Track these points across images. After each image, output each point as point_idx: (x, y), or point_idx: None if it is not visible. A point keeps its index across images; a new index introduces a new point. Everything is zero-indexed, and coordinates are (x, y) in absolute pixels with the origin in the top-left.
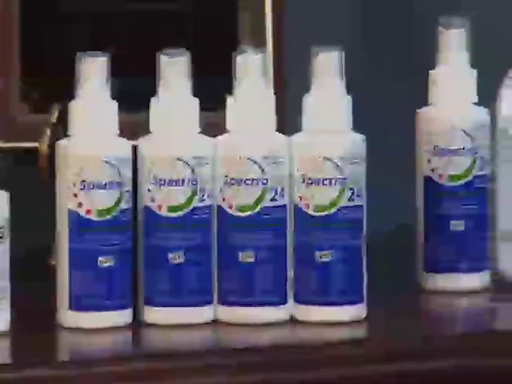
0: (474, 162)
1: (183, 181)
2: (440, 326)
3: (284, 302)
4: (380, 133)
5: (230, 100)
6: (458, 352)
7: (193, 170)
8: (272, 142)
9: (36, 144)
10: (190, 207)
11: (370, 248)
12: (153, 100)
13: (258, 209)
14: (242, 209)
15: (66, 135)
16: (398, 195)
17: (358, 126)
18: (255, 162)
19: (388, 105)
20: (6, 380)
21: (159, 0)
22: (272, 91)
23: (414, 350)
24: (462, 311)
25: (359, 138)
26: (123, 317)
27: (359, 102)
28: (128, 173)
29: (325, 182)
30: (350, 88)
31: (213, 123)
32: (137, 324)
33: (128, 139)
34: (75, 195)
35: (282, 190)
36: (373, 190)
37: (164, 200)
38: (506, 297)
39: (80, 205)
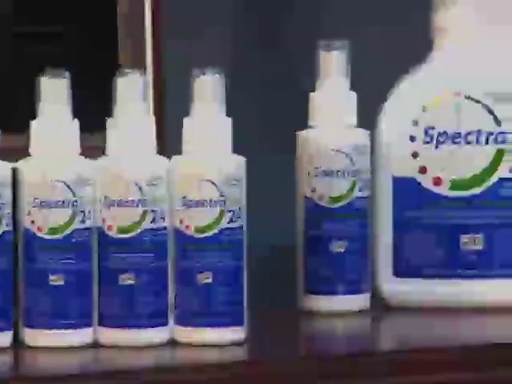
0: (354, 183)
1: (63, 203)
2: (318, 347)
3: (165, 323)
4: (260, 154)
5: (110, 122)
6: (336, 373)
7: (73, 193)
8: (152, 164)
9: None
10: (70, 229)
11: (251, 269)
12: (33, 122)
13: (138, 231)
14: (122, 231)
15: None
16: (279, 216)
17: (238, 148)
18: (136, 185)
19: (268, 126)
20: None
21: (42, 23)
22: (152, 114)
23: (292, 372)
24: (341, 333)
25: (239, 160)
26: (3, 339)
27: (239, 123)
28: (8, 195)
29: (205, 203)
30: None
31: (93, 146)
32: (17, 346)
33: (7, 161)
34: None
35: (163, 212)
36: (254, 211)
37: (44, 222)
38: (385, 318)
39: None
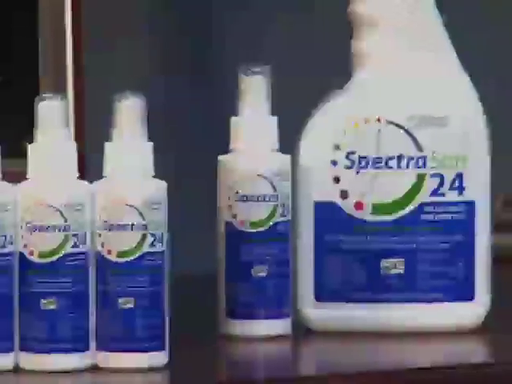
0: (275, 208)
1: None
2: (239, 372)
3: (85, 349)
4: (182, 179)
5: (30, 147)
6: None
7: None
8: (73, 188)
9: None
10: None
11: (173, 294)
12: None
13: (59, 255)
14: (43, 255)
15: None
16: (201, 241)
17: (159, 172)
18: (57, 209)
19: (189, 151)
20: None
21: None
22: (73, 138)
23: None
24: (261, 358)
25: (160, 184)
26: None
27: (161, 147)
28: None
29: (126, 227)
30: None
31: (13, 170)
32: None
33: None
34: None
35: (84, 236)
36: (175, 235)
37: None
38: (306, 343)
39: None
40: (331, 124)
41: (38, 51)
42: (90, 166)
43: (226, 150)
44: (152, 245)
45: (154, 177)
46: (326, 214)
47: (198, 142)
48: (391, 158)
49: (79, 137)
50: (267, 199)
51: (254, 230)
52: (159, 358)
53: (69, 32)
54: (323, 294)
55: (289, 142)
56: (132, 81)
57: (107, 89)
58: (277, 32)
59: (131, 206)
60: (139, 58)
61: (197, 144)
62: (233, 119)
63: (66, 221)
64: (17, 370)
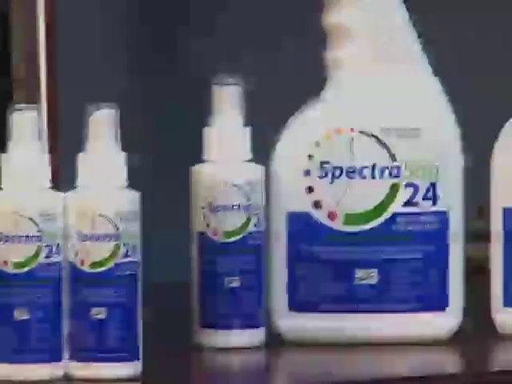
0: (249, 218)
1: None
2: (213, 382)
3: (58, 359)
4: (155, 189)
5: (3, 157)
6: None
7: None
8: (46, 198)
9: None
10: None
11: (147, 304)
12: None
13: (32, 266)
14: (16, 266)
15: None
16: (175, 251)
17: (133, 183)
18: (30, 219)
19: (163, 161)
20: None
21: None
22: (46, 147)
23: None
24: (235, 369)
25: (134, 195)
26: None
27: (134, 157)
28: None
29: (100, 238)
30: None
31: None
32: None
33: None
34: None
35: (58, 246)
36: (150, 246)
37: None
38: (280, 354)
39: None
40: (305, 134)
41: (11, 60)
42: (62, 176)
43: (199, 160)
44: (126, 255)
45: (128, 187)
46: (300, 224)
47: (171, 151)
48: (365, 168)
49: (52, 144)
50: (240, 209)
51: (228, 240)
52: (132, 368)
53: (42, 38)
54: (297, 304)
55: (262, 151)
56: (106, 89)
57: (81, 96)
58: (251, 38)
59: (104, 216)
60: (114, 66)
61: (170, 154)
62: (206, 129)
63: (39, 231)
64: None
